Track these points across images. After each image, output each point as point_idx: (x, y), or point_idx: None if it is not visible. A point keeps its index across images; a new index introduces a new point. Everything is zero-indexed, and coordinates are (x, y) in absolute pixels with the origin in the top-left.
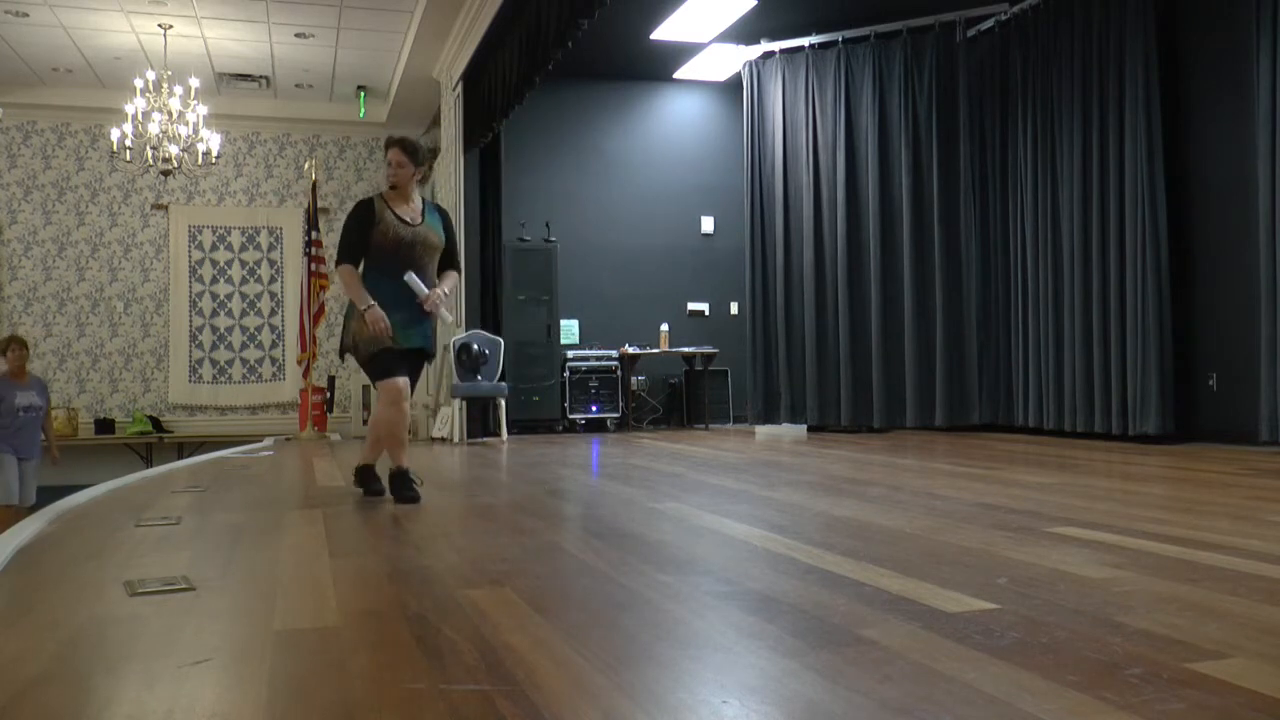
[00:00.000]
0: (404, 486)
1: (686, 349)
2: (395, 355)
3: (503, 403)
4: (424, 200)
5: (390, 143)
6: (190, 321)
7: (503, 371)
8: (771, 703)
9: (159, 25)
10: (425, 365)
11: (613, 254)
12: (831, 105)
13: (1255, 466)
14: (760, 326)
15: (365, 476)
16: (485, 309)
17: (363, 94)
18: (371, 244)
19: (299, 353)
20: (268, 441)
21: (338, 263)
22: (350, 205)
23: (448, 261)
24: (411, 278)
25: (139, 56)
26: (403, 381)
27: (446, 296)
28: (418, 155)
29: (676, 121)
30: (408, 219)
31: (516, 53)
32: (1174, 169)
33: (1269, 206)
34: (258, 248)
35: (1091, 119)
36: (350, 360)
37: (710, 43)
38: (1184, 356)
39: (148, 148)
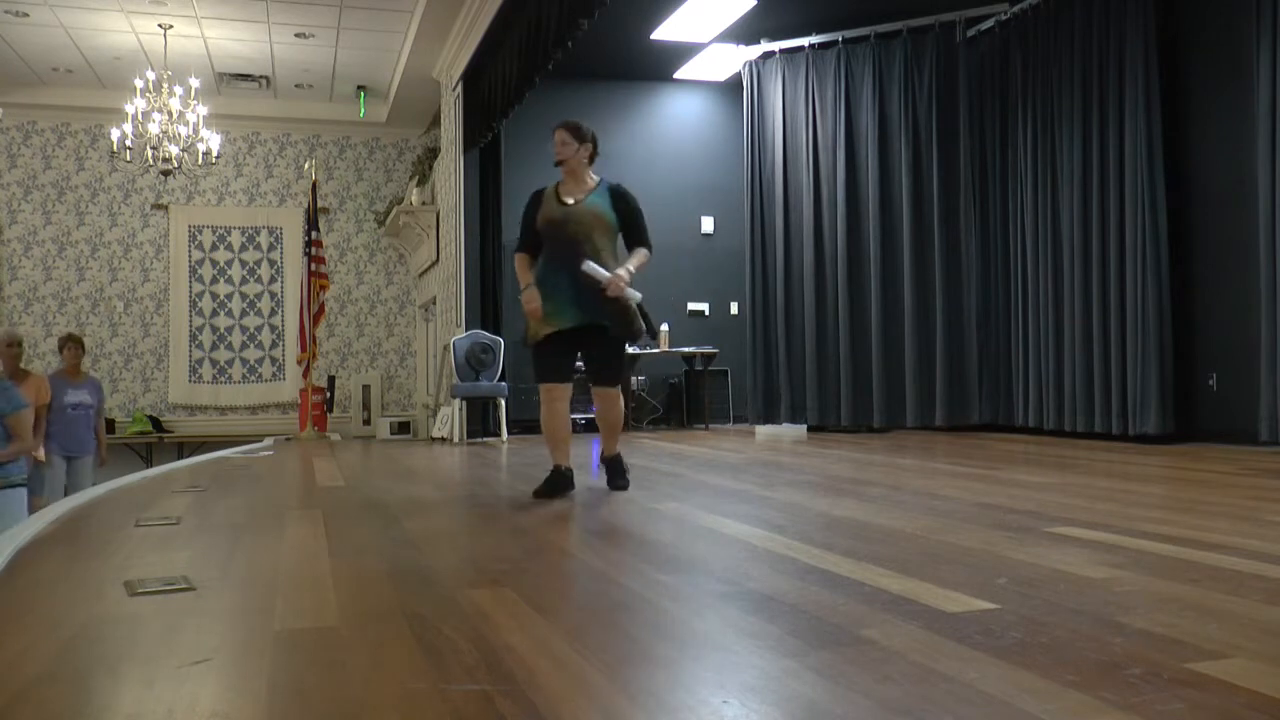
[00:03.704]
0: (549, 485)
1: (686, 349)
2: (551, 353)
3: (503, 403)
4: (602, 181)
5: (555, 127)
6: (190, 321)
7: (503, 371)
8: (771, 703)
9: (159, 25)
10: (621, 342)
11: None
12: (831, 105)
13: (1255, 466)
14: (760, 326)
15: (550, 479)
16: (485, 309)
17: (363, 94)
18: (536, 229)
19: (299, 353)
20: (268, 441)
21: (515, 251)
22: (349, 205)
23: (634, 239)
24: (590, 265)
25: (139, 56)
26: (555, 388)
27: (632, 274)
28: (581, 133)
29: (676, 121)
30: (568, 199)
31: (516, 53)
32: (1174, 169)
33: (1269, 206)
34: (258, 248)
35: (1091, 119)
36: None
37: (710, 43)
38: (1184, 356)
39: (148, 148)
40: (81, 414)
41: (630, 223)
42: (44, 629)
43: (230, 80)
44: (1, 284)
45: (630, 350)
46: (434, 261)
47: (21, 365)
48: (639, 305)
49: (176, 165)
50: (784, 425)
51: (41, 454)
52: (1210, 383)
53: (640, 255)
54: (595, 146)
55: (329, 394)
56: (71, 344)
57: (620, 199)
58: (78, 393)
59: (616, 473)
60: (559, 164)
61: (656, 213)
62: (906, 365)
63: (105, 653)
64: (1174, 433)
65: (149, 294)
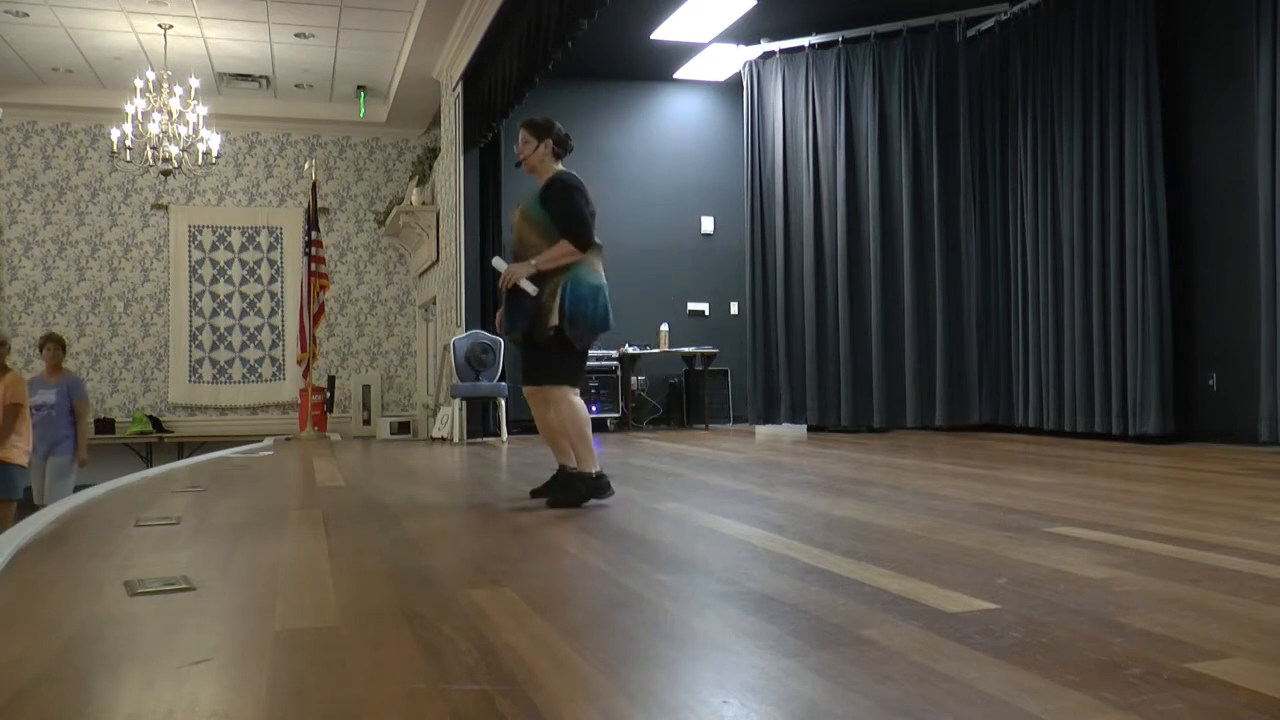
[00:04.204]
0: (549, 484)
1: (686, 349)
2: (523, 360)
3: (503, 403)
4: (552, 175)
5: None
6: (190, 321)
7: (503, 371)
8: (771, 703)
9: (159, 25)
10: (543, 348)
11: (612, 254)
12: (831, 105)
13: (1255, 466)
14: (760, 326)
15: (551, 479)
16: (485, 309)
17: (363, 94)
18: None
19: (299, 353)
20: (268, 441)
21: None
22: (349, 205)
23: (559, 230)
24: (496, 260)
25: (139, 56)
26: (526, 389)
27: (533, 266)
28: (539, 129)
29: (676, 121)
30: (521, 202)
31: (516, 53)
32: (1174, 169)
33: (1269, 206)
34: (258, 248)
35: (1091, 119)
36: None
37: (710, 43)
38: (1184, 356)
39: (148, 148)
40: (45, 415)
41: (554, 214)
42: (44, 629)
43: (230, 80)
44: (1, 284)
45: (631, 350)
46: (434, 261)
47: (6, 364)
48: (562, 300)
49: (176, 165)
50: (784, 425)
51: (21, 456)
52: (1210, 383)
53: (557, 247)
54: (560, 140)
55: (329, 394)
56: (50, 344)
57: (548, 190)
58: (45, 393)
59: (559, 487)
60: (519, 165)
61: (656, 213)
62: (906, 365)
63: (105, 653)
64: (1174, 433)
65: (149, 294)
